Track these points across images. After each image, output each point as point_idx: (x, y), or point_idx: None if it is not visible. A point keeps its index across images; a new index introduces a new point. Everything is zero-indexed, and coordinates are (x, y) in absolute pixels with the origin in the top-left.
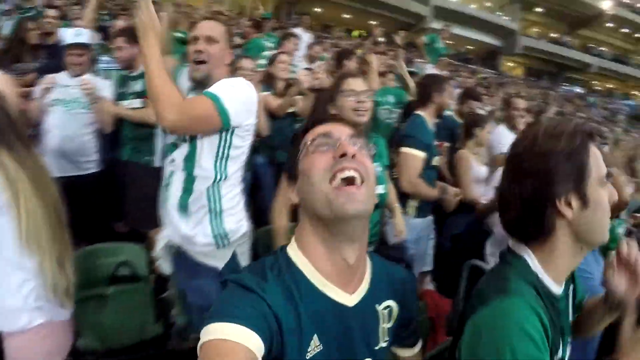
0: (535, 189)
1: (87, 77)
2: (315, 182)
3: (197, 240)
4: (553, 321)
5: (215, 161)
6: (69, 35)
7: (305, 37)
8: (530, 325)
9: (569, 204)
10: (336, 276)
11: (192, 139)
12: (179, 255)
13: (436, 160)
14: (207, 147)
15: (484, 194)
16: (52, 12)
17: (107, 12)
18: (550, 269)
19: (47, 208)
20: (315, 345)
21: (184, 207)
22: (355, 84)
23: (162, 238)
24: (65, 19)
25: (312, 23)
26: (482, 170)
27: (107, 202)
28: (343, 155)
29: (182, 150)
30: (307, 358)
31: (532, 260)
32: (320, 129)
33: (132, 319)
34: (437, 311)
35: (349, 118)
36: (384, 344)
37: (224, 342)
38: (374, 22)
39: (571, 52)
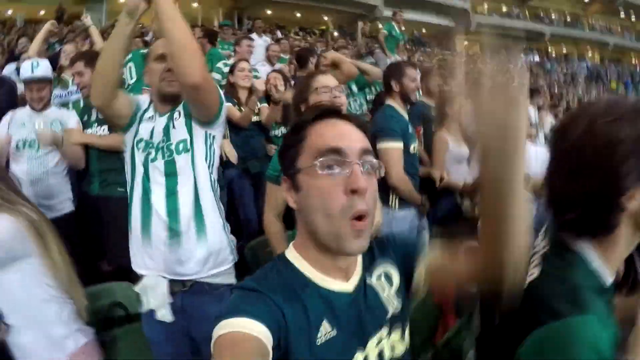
0: (601, 186)
1: (51, 110)
2: (329, 216)
3: (219, 260)
4: None
5: (209, 170)
6: (25, 69)
7: (261, 41)
8: (605, 344)
9: (632, 196)
10: (333, 273)
11: (191, 146)
12: (188, 290)
13: (415, 147)
14: (201, 155)
15: (466, 174)
16: None
17: (56, 40)
18: (609, 262)
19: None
20: (326, 331)
21: (200, 228)
22: (327, 80)
23: (156, 285)
24: (12, 54)
25: (265, 26)
26: (461, 150)
27: (86, 241)
28: (355, 191)
29: (184, 163)
30: (317, 344)
31: (592, 256)
32: (329, 133)
33: None
34: (442, 296)
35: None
36: (395, 311)
37: (234, 334)
38: (326, 18)
39: (523, 23)
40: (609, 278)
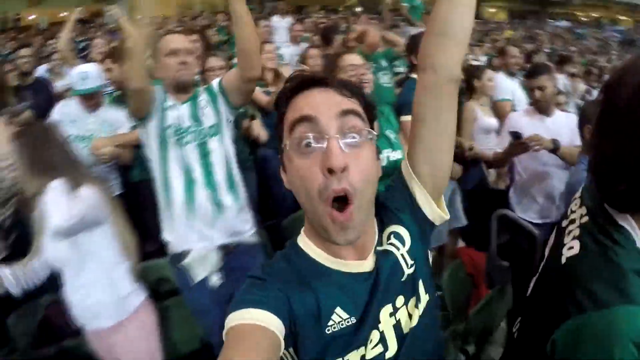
0: None
1: (102, 110)
2: (311, 199)
3: (251, 223)
4: None
5: (232, 148)
6: (75, 82)
7: (283, 23)
8: None
9: None
10: (346, 254)
11: (220, 129)
12: (232, 252)
13: None
14: (227, 136)
15: (495, 145)
16: (25, 52)
17: (81, 39)
18: None
19: None
20: (339, 319)
21: (237, 197)
22: (353, 58)
23: (206, 255)
24: (42, 55)
25: (287, 7)
26: (490, 121)
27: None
28: (331, 171)
29: (216, 144)
30: (327, 333)
31: (636, 233)
32: (303, 104)
33: (185, 331)
34: (475, 267)
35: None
36: (409, 271)
37: (244, 325)
38: None
39: None
40: None
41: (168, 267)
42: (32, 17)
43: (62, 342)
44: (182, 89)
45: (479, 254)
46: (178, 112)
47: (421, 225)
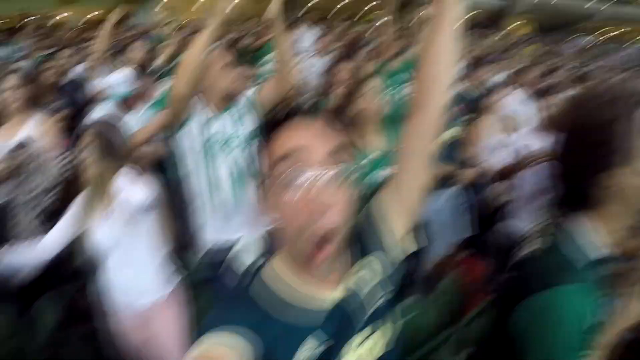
0: (600, 160)
1: (139, 112)
2: (290, 234)
3: None
4: None
5: None
6: (112, 85)
7: (312, 33)
8: (586, 311)
9: (615, 174)
10: (319, 282)
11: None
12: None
13: (455, 131)
14: None
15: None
16: (66, 52)
17: (115, 39)
18: (604, 236)
19: None
20: (309, 348)
21: None
22: (374, 84)
23: (254, 241)
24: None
25: (311, 17)
26: (498, 138)
27: None
28: (314, 210)
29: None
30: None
31: (583, 230)
32: (290, 136)
33: None
34: (470, 277)
35: (374, 113)
36: (379, 302)
37: (213, 349)
38: (374, 3)
39: (577, 2)
40: (601, 251)
41: (197, 260)
42: (64, 15)
43: (86, 325)
44: (229, 98)
45: (479, 264)
46: (222, 121)
47: (392, 256)
